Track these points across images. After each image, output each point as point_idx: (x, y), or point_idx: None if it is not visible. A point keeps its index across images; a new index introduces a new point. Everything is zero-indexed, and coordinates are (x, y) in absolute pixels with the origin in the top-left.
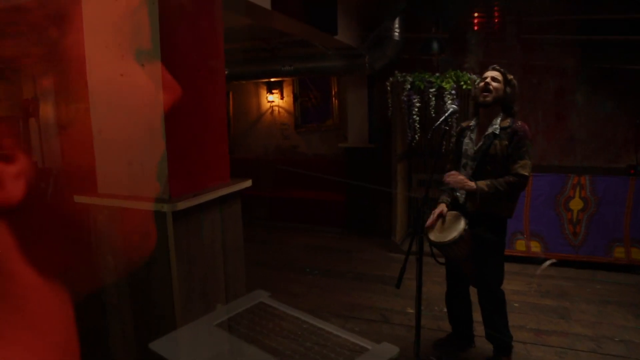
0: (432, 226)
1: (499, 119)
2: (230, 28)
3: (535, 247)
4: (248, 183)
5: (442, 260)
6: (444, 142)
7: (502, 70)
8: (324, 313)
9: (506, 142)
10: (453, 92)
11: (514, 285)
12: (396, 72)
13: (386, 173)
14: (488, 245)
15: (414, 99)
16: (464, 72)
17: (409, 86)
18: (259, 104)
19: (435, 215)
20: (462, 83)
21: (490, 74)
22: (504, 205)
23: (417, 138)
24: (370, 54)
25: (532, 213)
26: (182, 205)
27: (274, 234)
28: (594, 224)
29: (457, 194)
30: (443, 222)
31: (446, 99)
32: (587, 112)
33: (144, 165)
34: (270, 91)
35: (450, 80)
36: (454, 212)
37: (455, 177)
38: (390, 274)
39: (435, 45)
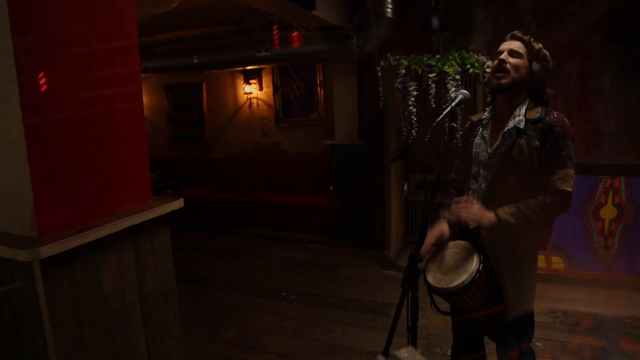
0: (432, 258)
1: (524, 107)
2: (196, 8)
3: (557, 264)
4: (179, 203)
5: (446, 308)
6: (452, 142)
7: (525, 38)
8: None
9: (537, 143)
10: (457, 77)
11: (534, 315)
12: (389, 54)
13: (379, 174)
14: (513, 293)
15: (410, 86)
16: (471, 53)
17: (403, 71)
18: (235, 96)
19: (432, 238)
20: (469, 66)
21: (507, 46)
22: (536, 236)
23: (414, 134)
24: (358, 34)
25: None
26: (51, 249)
27: (250, 245)
28: (630, 236)
29: None
30: (442, 254)
31: (449, 85)
32: (615, 100)
33: (6, 189)
34: (247, 81)
35: (453, 62)
36: (462, 243)
37: (469, 209)
38: (382, 300)
39: (435, 22)
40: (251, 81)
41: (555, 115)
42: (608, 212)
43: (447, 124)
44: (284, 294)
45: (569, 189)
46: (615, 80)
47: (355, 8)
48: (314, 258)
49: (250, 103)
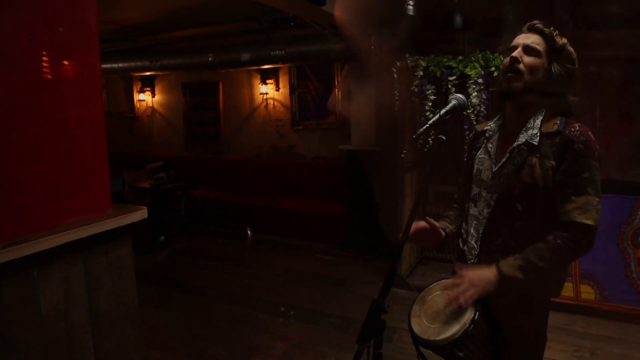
0: (420, 299)
1: (540, 118)
2: (209, 5)
3: (587, 293)
4: (140, 214)
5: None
6: (438, 158)
7: (546, 31)
8: None
9: (552, 162)
10: (480, 80)
11: (556, 352)
12: (406, 55)
13: (396, 182)
14: (518, 345)
15: (428, 90)
16: (496, 54)
17: (421, 73)
18: (251, 97)
19: (417, 227)
20: (493, 68)
21: (522, 40)
22: (549, 279)
23: (430, 141)
24: (377, 33)
25: None
26: None
27: (257, 251)
28: None
29: (464, 247)
30: (432, 296)
31: (470, 90)
32: None
33: None
34: (264, 81)
35: (476, 64)
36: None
37: (463, 290)
38: (387, 324)
39: (458, 20)
40: (268, 81)
41: (577, 128)
42: None
43: (432, 136)
44: (282, 308)
45: (591, 223)
46: None
47: (373, 4)
48: (321, 269)
49: (267, 104)
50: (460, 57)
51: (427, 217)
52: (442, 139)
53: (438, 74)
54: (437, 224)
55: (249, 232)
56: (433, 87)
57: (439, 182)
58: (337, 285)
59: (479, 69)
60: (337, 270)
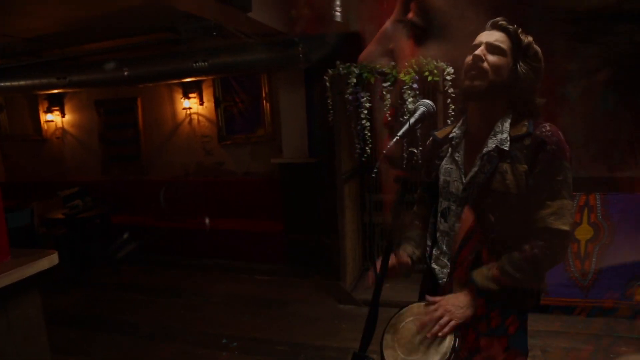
0: (392, 328)
1: (508, 121)
2: (122, 14)
3: None
4: (49, 261)
5: None
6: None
7: (510, 28)
8: None
9: (525, 167)
10: (415, 85)
11: None
12: (338, 62)
13: (333, 195)
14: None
15: (362, 97)
16: (429, 59)
17: (354, 80)
18: (174, 112)
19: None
20: (427, 73)
21: (485, 38)
22: (526, 291)
23: (368, 151)
24: (304, 41)
25: None
26: None
27: (191, 278)
28: (608, 257)
29: (434, 266)
30: (404, 323)
31: (406, 96)
32: (581, 108)
33: None
34: (186, 95)
35: (410, 70)
36: None
37: (434, 317)
38: (337, 345)
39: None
40: (190, 95)
41: (548, 128)
42: (583, 233)
43: (405, 150)
44: (224, 340)
45: (566, 228)
46: (581, 86)
47: (300, 10)
48: (262, 293)
49: (190, 119)
50: (393, 63)
51: (398, 252)
52: (414, 152)
53: (372, 80)
54: (407, 258)
55: (207, 221)
56: (367, 94)
57: (377, 192)
58: (281, 308)
59: (413, 74)
60: (278, 292)
